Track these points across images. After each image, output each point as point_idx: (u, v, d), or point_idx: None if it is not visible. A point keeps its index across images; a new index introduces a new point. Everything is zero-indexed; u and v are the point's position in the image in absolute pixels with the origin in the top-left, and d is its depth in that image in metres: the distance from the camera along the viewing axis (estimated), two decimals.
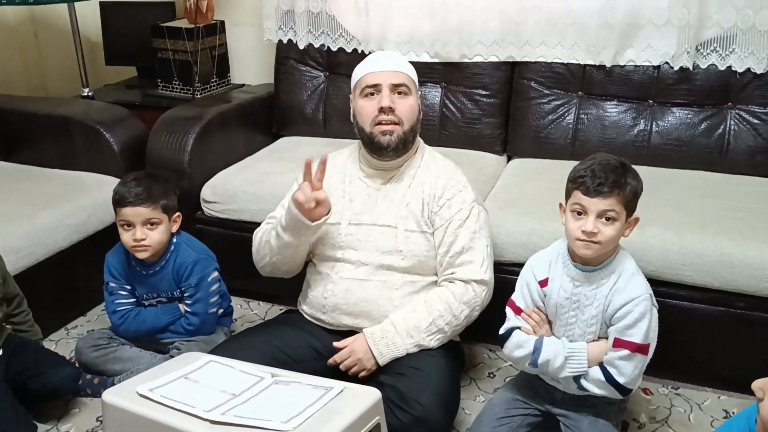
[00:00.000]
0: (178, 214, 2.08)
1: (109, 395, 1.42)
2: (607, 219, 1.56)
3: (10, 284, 2.01)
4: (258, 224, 2.36)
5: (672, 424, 1.94)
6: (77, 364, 2.12)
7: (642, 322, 1.57)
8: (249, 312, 2.52)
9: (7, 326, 2.00)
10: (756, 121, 2.35)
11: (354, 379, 1.78)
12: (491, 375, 2.16)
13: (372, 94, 1.86)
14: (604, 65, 2.47)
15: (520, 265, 1.83)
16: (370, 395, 1.45)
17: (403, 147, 1.87)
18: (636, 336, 1.57)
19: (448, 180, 1.90)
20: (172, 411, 1.36)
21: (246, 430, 1.30)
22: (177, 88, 3.03)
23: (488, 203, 2.21)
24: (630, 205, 1.58)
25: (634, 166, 1.63)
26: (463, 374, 2.11)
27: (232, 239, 2.45)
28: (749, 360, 1.97)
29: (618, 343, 1.59)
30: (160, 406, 1.38)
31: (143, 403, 1.39)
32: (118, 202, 2.00)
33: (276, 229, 1.89)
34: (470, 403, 2.02)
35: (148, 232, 2.00)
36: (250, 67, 3.21)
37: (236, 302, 2.41)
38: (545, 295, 1.70)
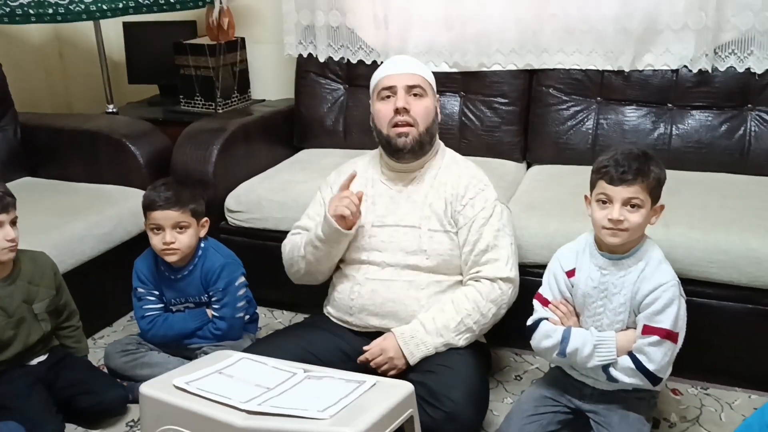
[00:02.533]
0: (205, 219, 2.12)
1: (147, 388, 1.43)
2: (633, 206, 1.58)
3: (63, 296, 2.04)
4: (282, 232, 2.40)
5: (703, 423, 1.92)
6: (106, 370, 2.15)
7: (671, 308, 1.58)
8: (273, 320, 2.53)
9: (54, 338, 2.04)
10: None
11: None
12: (518, 377, 2.16)
13: (388, 96, 1.89)
14: (623, 70, 2.49)
15: (544, 266, 1.84)
16: (402, 388, 1.46)
17: (420, 149, 1.90)
18: (665, 322, 1.58)
19: (470, 179, 1.92)
20: (209, 402, 1.37)
21: (283, 419, 1.30)
22: (199, 104, 3.08)
23: (510, 207, 2.22)
24: (654, 193, 1.60)
25: None
26: (490, 377, 2.10)
27: (256, 248, 2.47)
28: None
29: (647, 330, 1.59)
30: (197, 397, 1.39)
31: (180, 395, 1.40)
32: (148, 206, 2.03)
33: (313, 243, 1.91)
34: (498, 404, 2.01)
35: (177, 235, 2.03)
36: (269, 83, 3.26)
37: (260, 311, 2.42)
38: (572, 286, 1.71)
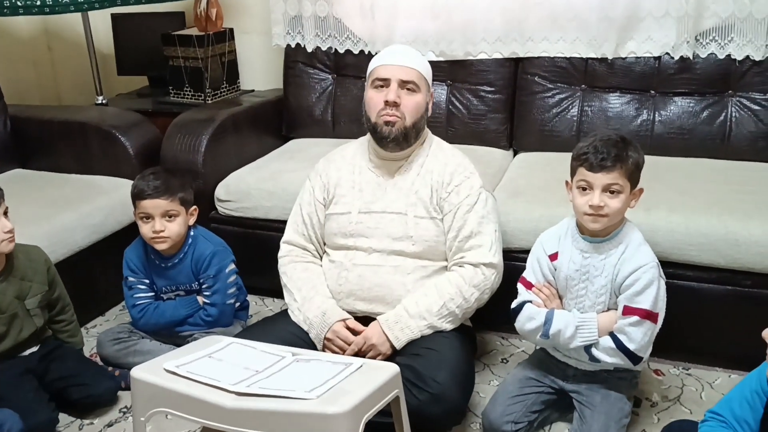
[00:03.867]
0: (194, 207, 2.14)
1: (138, 371, 1.46)
2: (612, 192, 1.62)
3: (57, 290, 2.04)
4: (272, 221, 2.44)
5: (684, 402, 1.97)
6: (98, 358, 2.17)
7: (650, 289, 1.62)
8: (264, 308, 2.57)
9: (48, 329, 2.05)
10: (756, 107, 2.41)
11: None
12: (504, 361, 2.20)
13: (381, 86, 1.91)
14: (606, 58, 2.53)
15: (530, 252, 1.87)
16: (388, 369, 1.49)
17: (404, 140, 1.92)
18: (645, 302, 1.62)
19: (456, 167, 1.95)
20: (198, 385, 1.40)
21: (271, 399, 1.34)
22: (188, 95, 3.10)
23: (496, 194, 2.26)
24: (633, 177, 1.64)
25: None
26: (477, 360, 2.14)
27: (246, 237, 2.50)
28: (758, 338, 1.98)
29: (627, 311, 1.64)
30: (187, 380, 1.42)
31: (170, 378, 1.43)
32: (138, 195, 2.06)
33: (294, 312, 1.95)
34: (484, 386, 2.05)
35: (166, 223, 2.06)
36: (258, 74, 3.28)
37: (251, 299, 2.45)
38: (555, 269, 1.75)
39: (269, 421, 1.32)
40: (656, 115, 2.50)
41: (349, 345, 1.83)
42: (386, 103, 1.88)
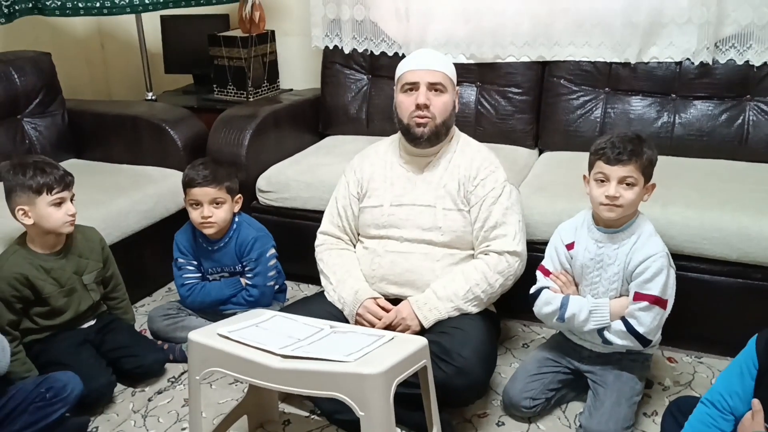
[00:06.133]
0: (239, 195, 2.31)
1: (195, 335, 1.63)
2: (627, 184, 1.75)
3: (110, 268, 2.23)
4: (309, 211, 2.60)
5: (695, 387, 2.08)
6: (148, 333, 2.35)
7: (659, 276, 1.74)
8: (300, 293, 2.72)
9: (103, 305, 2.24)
10: None
11: None
12: (525, 345, 2.33)
13: (411, 89, 2.05)
14: (629, 62, 2.64)
15: None
16: (418, 341, 1.64)
17: (435, 138, 2.06)
18: (654, 289, 1.75)
19: (482, 162, 2.09)
20: (248, 348, 1.56)
21: (313, 362, 1.49)
22: (231, 93, 3.28)
23: (522, 189, 2.39)
24: (647, 172, 1.77)
25: (658, 156, 1.82)
26: (500, 345, 2.27)
27: (285, 226, 2.66)
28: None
29: (638, 297, 1.76)
30: (238, 344, 1.58)
31: (223, 341, 1.60)
32: (188, 183, 2.23)
33: (329, 293, 2.11)
34: (506, 368, 2.18)
35: (214, 210, 2.23)
36: (296, 74, 3.45)
37: (288, 284, 2.60)
38: (571, 258, 1.88)
39: (311, 381, 1.48)
40: (676, 118, 2.61)
41: (380, 320, 1.98)
42: (417, 106, 2.02)
